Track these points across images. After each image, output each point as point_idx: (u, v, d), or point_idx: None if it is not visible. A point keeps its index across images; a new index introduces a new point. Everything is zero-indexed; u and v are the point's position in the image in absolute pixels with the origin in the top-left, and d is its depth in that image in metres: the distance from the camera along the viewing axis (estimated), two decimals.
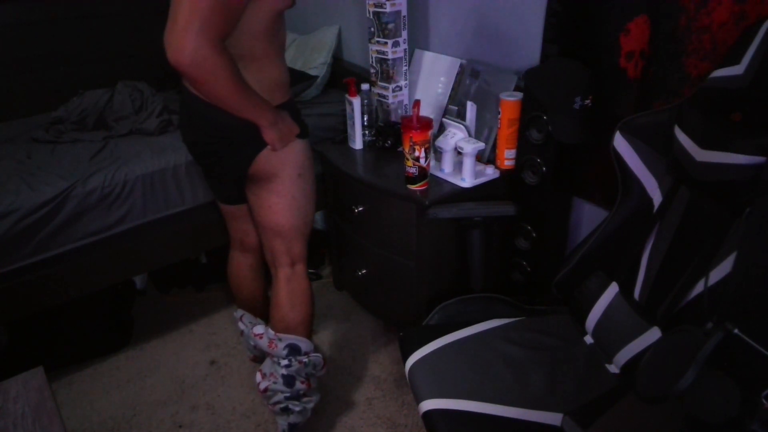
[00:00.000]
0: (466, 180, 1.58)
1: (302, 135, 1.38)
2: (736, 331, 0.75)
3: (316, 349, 1.57)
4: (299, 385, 1.49)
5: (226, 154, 1.34)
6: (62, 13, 2.35)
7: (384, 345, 1.99)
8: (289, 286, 1.50)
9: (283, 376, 1.47)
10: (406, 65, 1.82)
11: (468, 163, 1.56)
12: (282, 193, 1.38)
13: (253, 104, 1.22)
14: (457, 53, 1.83)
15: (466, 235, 1.52)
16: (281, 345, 1.47)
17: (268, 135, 1.29)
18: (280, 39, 1.28)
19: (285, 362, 1.47)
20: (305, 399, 1.53)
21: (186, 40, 1.04)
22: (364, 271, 1.86)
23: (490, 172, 1.61)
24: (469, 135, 1.60)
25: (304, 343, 1.50)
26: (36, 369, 0.92)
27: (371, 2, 1.72)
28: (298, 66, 2.24)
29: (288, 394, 1.48)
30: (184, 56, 1.05)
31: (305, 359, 1.49)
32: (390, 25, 1.72)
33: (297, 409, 1.51)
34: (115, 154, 1.79)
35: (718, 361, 0.74)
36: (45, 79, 2.36)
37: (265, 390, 1.50)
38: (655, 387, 0.80)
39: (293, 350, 1.48)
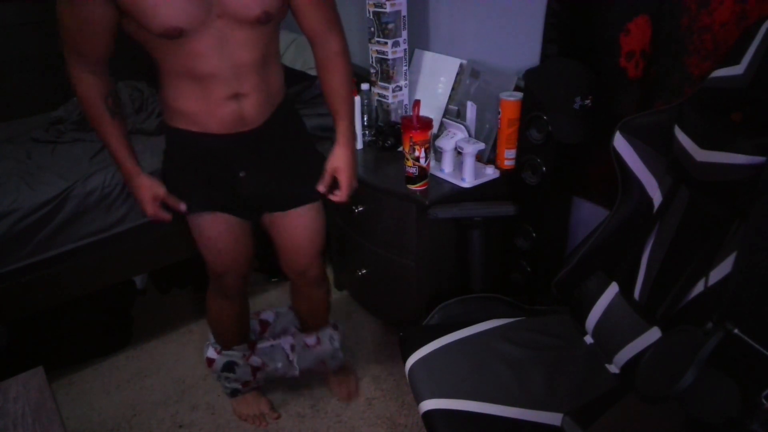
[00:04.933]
0: (466, 180, 1.58)
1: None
2: (736, 331, 0.75)
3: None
4: None
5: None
6: None
7: (384, 345, 1.99)
8: (323, 288, 1.62)
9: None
10: (406, 65, 1.82)
11: (468, 163, 1.56)
12: (318, 204, 1.48)
13: None
14: (457, 53, 1.83)
15: (466, 235, 1.52)
16: (325, 336, 1.67)
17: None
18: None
19: (336, 338, 1.69)
20: None
21: None
22: (364, 271, 1.86)
23: (490, 172, 1.61)
24: (469, 135, 1.60)
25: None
26: (36, 369, 0.92)
27: (371, 2, 1.72)
28: (298, 66, 2.24)
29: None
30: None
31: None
32: (390, 25, 1.72)
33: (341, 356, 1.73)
34: None
35: (718, 361, 0.74)
36: (45, 79, 2.35)
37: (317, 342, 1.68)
38: (655, 387, 0.79)
39: (335, 328, 1.70)
